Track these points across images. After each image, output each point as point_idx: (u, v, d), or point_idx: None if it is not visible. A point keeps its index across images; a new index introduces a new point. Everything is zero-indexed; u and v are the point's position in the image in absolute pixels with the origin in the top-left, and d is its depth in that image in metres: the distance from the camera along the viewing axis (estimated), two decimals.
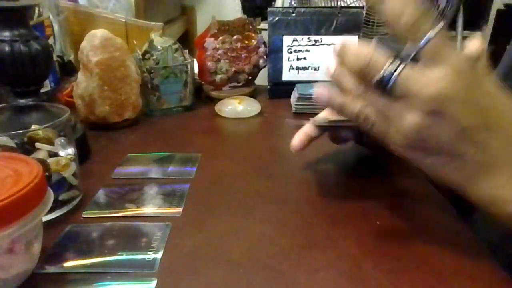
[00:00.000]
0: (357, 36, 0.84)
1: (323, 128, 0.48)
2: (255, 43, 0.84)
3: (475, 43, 0.34)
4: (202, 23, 1.95)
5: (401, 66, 0.28)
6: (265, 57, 0.86)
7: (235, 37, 0.82)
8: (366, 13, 1.59)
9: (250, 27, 0.84)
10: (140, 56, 0.71)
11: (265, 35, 0.85)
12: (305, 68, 0.85)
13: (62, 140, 0.42)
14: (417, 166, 0.32)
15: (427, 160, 0.31)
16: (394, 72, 0.28)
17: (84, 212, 0.42)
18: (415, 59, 0.29)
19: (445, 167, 0.31)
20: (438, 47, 0.28)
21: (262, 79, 0.89)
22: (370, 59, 0.30)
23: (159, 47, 0.72)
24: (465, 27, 1.71)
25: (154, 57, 0.71)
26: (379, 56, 0.30)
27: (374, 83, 0.30)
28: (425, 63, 0.28)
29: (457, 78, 0.27)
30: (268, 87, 0.87)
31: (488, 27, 1.82)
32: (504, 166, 0.29)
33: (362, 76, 0.31)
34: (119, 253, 0.36)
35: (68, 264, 0.35)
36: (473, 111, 0.28)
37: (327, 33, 0.83)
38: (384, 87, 0.29)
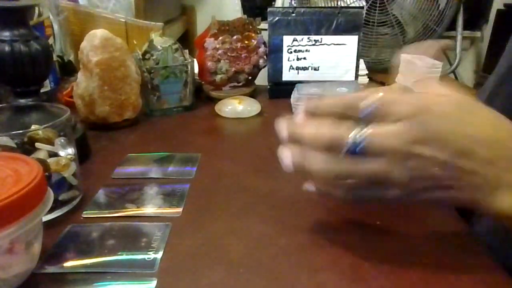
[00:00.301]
0: (357, 36, 0.84)
1: None
2: (255, 43, 0.84)
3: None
4: (202, 23, 1.95)
5: (364, 131, 0.29)
6: (265, 57, 0.86)
7: (235, 37, 0.82)
8: (366, 13, 1.59)
9: (250, 27, 0.84)
10: (140, 56, 0.71)
11: (265, 35, 0.85)
12: (305, 68, 0.85)
13: (62, 140, 0.42)
14: (425, 205, 0.33)
15: (432, 197, 0.31)
16: (360, 139, 0.29)
17: (84, 212, 0.42)
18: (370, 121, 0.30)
19: (451, 195, 0.30)
20: (386, 107, 0.29)
21: (262, 79, 0.89)
22: (330, 136, 0.30)
23: (159, 47, 0.72)
24: (465, 27, 1.71)
25: (154, 57, 0.71)
26: (337, 129, 0.30)
27: (344, 154, 0.30)
28: (382, 121, 0.29)
29: (416, 124, 0.28)
30: (268, 87, 0.87)
31: (488, 27, 1.81)
32: (502, 179, 0.29)
33: (328, 152, 0.31)
34: (119, 253, 0.36)
35: (68, 264, 0.35)
36: (444, 143, 0.28)
37: (327, 33, 0.83)
38: (354, 154, 0.30)
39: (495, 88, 0.55)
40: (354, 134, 0.29)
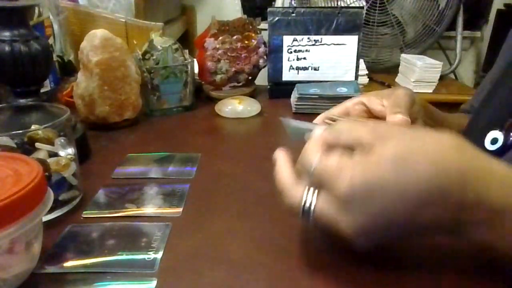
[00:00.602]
0: (357, 36, 0.84)
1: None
2: (255, 43, 0.84)
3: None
4: (202, 23, 1.95)
5: (313, 202, 0.30)
6: (265, 57, 0.86)
7: (235, 37, 0.82)
8: (366, 13, 1.59)
9: (250, 27, 0.84)
10: (140, 56, 0.71)
11: (265, 35, 0.85)
12: (305, 68, 0.85)
13: (62, 140, 0.42)
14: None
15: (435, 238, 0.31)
16: (310, 207, 0.30)
17: (84, 212, 0.42)
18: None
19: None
20: (323, 177, 0.29)
21: (262, 79, 0.89)
22: (287, 202, 0.32)
23: (159, 47, 0.72)
24: (465, 27, 1.71)
25: (154, 57, 0.71)
26: (292, 193, 0.31)
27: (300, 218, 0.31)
28: (324, 188, 0.29)
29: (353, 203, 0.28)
30: (268, 87, 0.87)
31: (488, 27, 1.82)
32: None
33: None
34: (119, 253, 0.36)
35: (68, 264, 0.35)
36: (398, 202, 0.27)
37: (327, 33, 0.83)
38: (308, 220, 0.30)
39: (493, 88, 0.55)
40: (304, 202, 0.30)
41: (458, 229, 0.27)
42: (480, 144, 0.50)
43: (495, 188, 0.26)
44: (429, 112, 0.62)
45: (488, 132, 0.50)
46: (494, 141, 0.49)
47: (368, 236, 0.28)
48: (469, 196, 0.26)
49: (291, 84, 0.80)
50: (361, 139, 0.29)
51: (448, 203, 0.26)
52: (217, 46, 0.81)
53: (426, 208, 0.26)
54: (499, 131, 0.49)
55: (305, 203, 0.30)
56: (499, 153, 0.48)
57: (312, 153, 0.31)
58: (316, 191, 0.30)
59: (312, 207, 0.29)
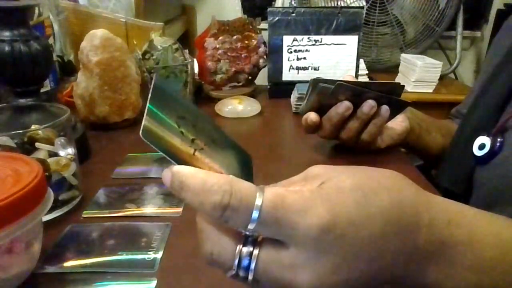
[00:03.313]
0: (357, 36, 0.84)
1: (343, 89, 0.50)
2: (255, 43, 0.84)
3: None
4: (202, 23, 1.95)
5: (253, 261, 0.22)
6: (265, 57, 0.86)
7: (235, 37, 0.82)
8: (366, 13, 1.59)
9: (250, 27, 0.84)
10: (140, 56, 0.71)
11: (265, 35, 0.85)
12: (305, 68, 0.85)
13: (62, 140, 0.41)
14: None
15: None
16: (249, 267, 0.22)
17: (84, 212, 0.42)
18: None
19: None
20: (274, 223, 0.21)
21: (262, 79, 0.89)
22: (214, 258, 0.23)
23: (159, 47, 0.72)
24: (465, 27, 1.71)
25: (154, 57, 0.71)
26: (222, 251, 0.23)
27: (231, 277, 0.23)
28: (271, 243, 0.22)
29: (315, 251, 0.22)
30: (268, 87, 0.87)
31: (488, 27, 1.81)
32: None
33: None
34: (119, 253, 0.36)
35: (68, 264, 0.35)
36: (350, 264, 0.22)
37: (327, 33, 0.83)
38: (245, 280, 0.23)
39: (484, 87, 0.55)
40: (243, 257, 0.22)
41: (408, 272, 0.24)
42: (468, 150, 0.51)
43: (443, 222, 0.24)
44: (420, 119, 0.63)
45: (476, 137, 0.50)
46: (482, 146, 0.49)
47: None
48: (422, 231, 0.23)
49: (291, 84, 0.80)
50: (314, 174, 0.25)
51: (405, 237, 0.23)
52: (217, 46, 0.81)
53: (390, 244, 0.22)
54: (487, 136, 0.49)
55: (241, 258, 0.22)
56: (486, 159, 0.48)
57: (251, 189, 0.22)
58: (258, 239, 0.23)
59: (253, 265, 0.22)
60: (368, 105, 0.51)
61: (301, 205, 0.21)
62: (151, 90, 0.25)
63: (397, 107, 0.54)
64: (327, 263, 0.22)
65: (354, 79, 0.57)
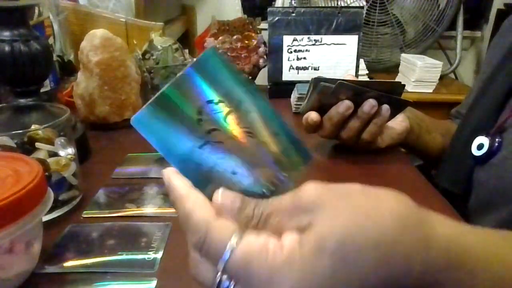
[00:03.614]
0: (357, 36, 0.84)
1: (345, 89, 0.50)
2: (255, 43, 0.84)
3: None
4: (202, 23, 1.95)
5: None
6: (265, 57, 0.86)
7: (235, 37, 0.82)
8: (366, 13, 1.59)
9: (250, 27, 0.84)
10: (140, 56, 0.71)
11: (265, 35, 0.85)
12: (305, 68, 0.85)
13: (62, 140, 0.41)
14: None
15: None
16: None
17: (84, 212, 0.42)
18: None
19: None
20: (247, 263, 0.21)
21: (262, 79, 0.89)
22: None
23: (159, 47, 0.72)
24: (465, 27, 1.71)
25: (154, 57, 0.71)
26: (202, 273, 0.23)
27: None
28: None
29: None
30: (268, 87, 0.87)
31: (488, 27, 1.81)
32: None
33: None
34: (119, 253, 0.36)
35: (68, 264, 0.35)
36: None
37: (327, 33, 0.83)
38: None
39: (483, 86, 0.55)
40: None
41: None
42: (467, 150, 0.51)
43: (440, 265, 0.21)
44: (419, 119, 0.63)
45: (475, 137, 0.50)
46: (480, 146, 0.49)
47: None
48: (413, 275, 0.21)
49: (291, 84, 0.80)
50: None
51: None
52: (217, 46, 0.81)
53: None
54: (485, 136, 0.49)
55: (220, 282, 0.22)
56: (485, 159, 0.49)
57: (223, 231, 0.22)
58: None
59: None
60: (369, 105, 0.51)
61: (267, 276, 0.20)
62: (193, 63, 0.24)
63: (398, 107, 0.54)
64: None
65: (355, 79, 0.57)
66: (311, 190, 0.22)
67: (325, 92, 0.51)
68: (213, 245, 0.22)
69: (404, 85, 0.53)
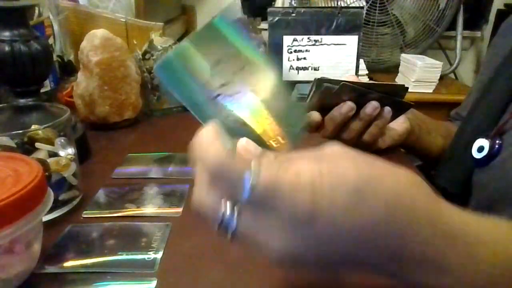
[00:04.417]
0: (357, 36, 0.84)
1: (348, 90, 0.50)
2: (255, 43, 0.84)
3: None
4: (202, 23, 1.95)
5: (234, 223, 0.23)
6: None
7: None
8: (366, 13, 1.59)
9: (250, 27, 0.83)
10: (140, 56, 0.71)
11: (265, 35, 0.85)
12: (305, 68, 0.85)
13: (62, 140, 0.41)
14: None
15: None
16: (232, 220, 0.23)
17: (84, 212, 0.42)
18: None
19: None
20: (267, 194, 0.22)
21: None
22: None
23: (159, 47, 0.72)
24: (465, 27, 1.70)
25: (154, 57, 0.71)
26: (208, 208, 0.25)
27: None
28: (257, 210, 0.23)
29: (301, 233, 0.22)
30: None
31: (488, 27, 1.81)
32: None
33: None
34: (119, 253, 0.36)
35: (68, 264, 0.35)
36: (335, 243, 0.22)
37: (327, 33, 0.83)
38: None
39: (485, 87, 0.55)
40: (228, 216, 0.24)
41: (399, 271, 0.23)
42: (467, 152, 0.51)
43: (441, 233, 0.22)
44: (420, 120, 0.63)
45: (475, 140, 0.50)
46: (481, 149, 0.49)
47: (297, 260, 0.23)
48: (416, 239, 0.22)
49: (291, 84, 0.80)
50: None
51: (391, 241, 0.22)
52: None
53: (369, 242, 0.22)
54: (485, 139, 0.49)
55: (224, 214, 0.23)
56: (485, 161, 0.49)
57: (246, 155, 0.23)
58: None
59: (235, 222, 0.23)
60: (372, 106, 0.51)
61: (289, 194, 0.21)
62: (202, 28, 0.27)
63: (400, 109, 0.54)
64: (301, 237, 0.22)
65: (357, 79, 0.58)
66: (334, 145, 0.24)
67: (328, 92, 0.51)
68: (235, 166, 0.22)
69: (407, 88, 0.53)
